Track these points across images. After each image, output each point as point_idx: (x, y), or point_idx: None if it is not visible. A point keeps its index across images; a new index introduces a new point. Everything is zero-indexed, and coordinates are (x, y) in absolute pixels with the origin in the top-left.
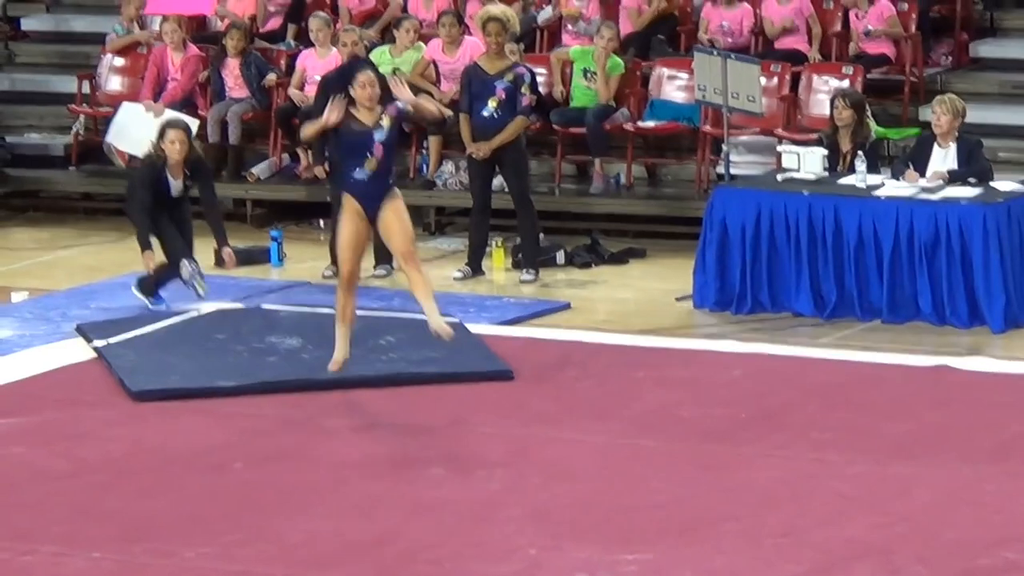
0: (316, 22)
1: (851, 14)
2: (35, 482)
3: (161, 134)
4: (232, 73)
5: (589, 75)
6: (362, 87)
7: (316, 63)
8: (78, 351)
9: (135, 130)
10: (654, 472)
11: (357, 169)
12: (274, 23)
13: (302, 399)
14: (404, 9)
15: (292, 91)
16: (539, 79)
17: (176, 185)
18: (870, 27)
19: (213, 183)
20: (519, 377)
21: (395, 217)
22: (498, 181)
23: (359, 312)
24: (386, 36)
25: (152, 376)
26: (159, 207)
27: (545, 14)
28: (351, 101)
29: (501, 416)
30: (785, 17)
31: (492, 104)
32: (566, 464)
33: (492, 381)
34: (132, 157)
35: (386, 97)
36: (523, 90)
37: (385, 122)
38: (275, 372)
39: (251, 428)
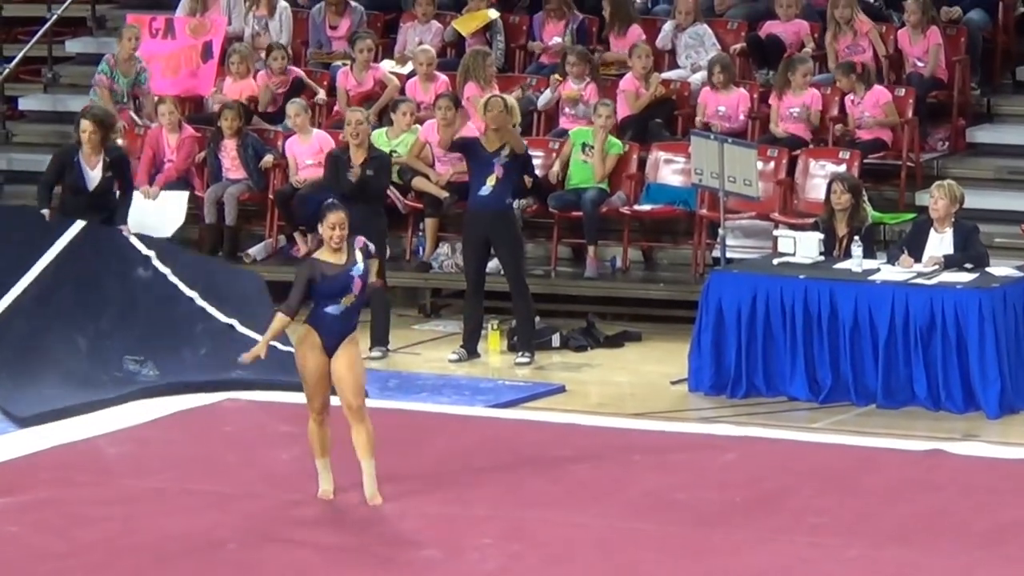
0: (293, 108)
1: (847, 100)
2: (35, 562)
3: (77, 121)
4: (229, 154)
5: (587, 150)
6: (331, 228)
7: (302, 148)
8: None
9: (144, 217)
10: (650, 556)
11: (332, 306)
12: (279, 104)
13: (292, 481)
14: (402, 92)
15: (294, 179)
16: (536, 162)
17: (93, 176)
18: (867, 114)
19: (132, 185)
20: (514, 459)
21: (347, 368)
22: (494, 263)
23: None
24: (383, 119)
25: (32, 400)
26: (76, 201)
27: (544, 98)
28: (319, 243)
29: (495, 497)
30: (799, 108)
31: (490, 182)
32: (562, 546)
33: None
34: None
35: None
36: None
37: (358, 255)
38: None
39: (243, 509)
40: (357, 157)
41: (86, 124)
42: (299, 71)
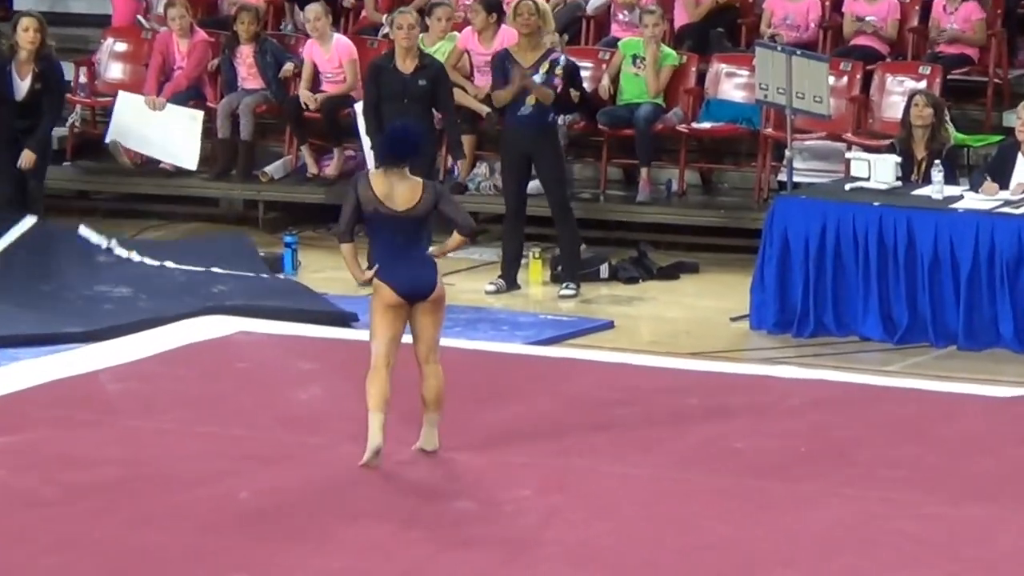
0: (312, 10)
1: (937, 5)
2: (21, 509)
3: (16, 22)
4: (245, 62)
5: (639, 61)
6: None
7: (323, 58)
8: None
9: (137, 126)
10: (705, 510)
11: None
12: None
13: (312, 424)
14: None
15: (302, 92)
16: (584, 74)
17: (22, 87)
18: (954, 26)
19: (63, 100)
20: (556, 402)
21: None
22: (535, 185)
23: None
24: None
25: None
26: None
27: (595, 1)
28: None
29: (535, 445)
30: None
31: (530, 102)
32: (608, 500)
33: (333, 325)
34: (140, 155)
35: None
36: (556, 71)
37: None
38: (118, 318)
39: (258, 454)
40: (406, 65)
41: (29, 22)
42: None
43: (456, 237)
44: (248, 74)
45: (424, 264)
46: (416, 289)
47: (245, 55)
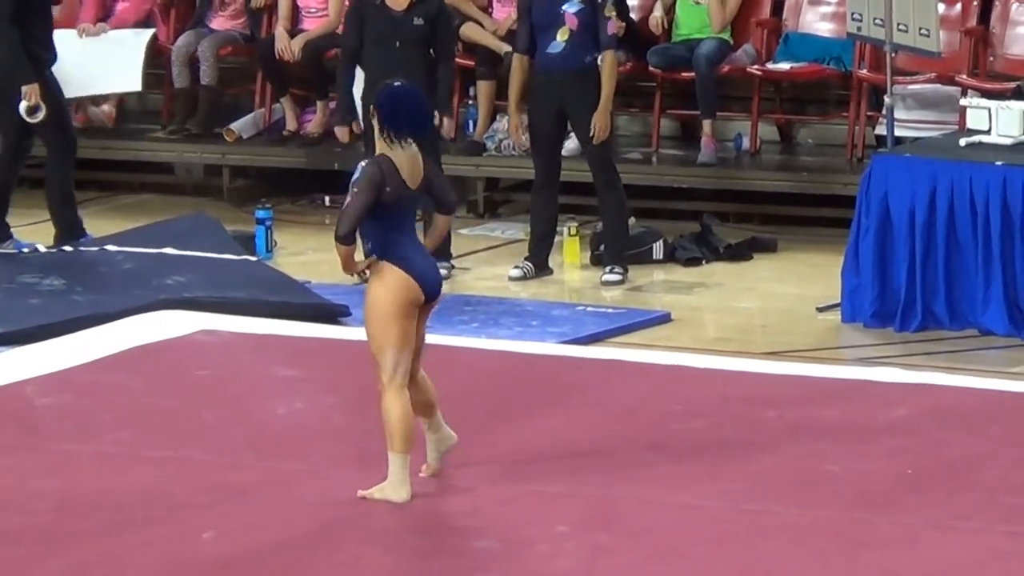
0: None
1: None
2: None
3: None
4: (235, 3)
5: None
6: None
7: None
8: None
9: (75, 69)
10: (787, 551)
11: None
12: None
13: (293, 446)
14: None
15: (279, 33)
16: (631, 2)
17: None
18: None
19: None
20: (599, 415)
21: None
22: (572, 144)
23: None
24: None
25: None
26: None
27: None
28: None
29: (574, 469)
30: None
31: (561, 37)
32: (666, 538)
33: (318, 321)
34: (80, 104)
35: None
36: (606, 12)
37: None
38: (47, 315)
39: (225, 484)
40: (398, 1)
41: None
42: None
43: (440, 219)
44: (225, 14)
45: (427, 252)
46: (438, 285)
47: None
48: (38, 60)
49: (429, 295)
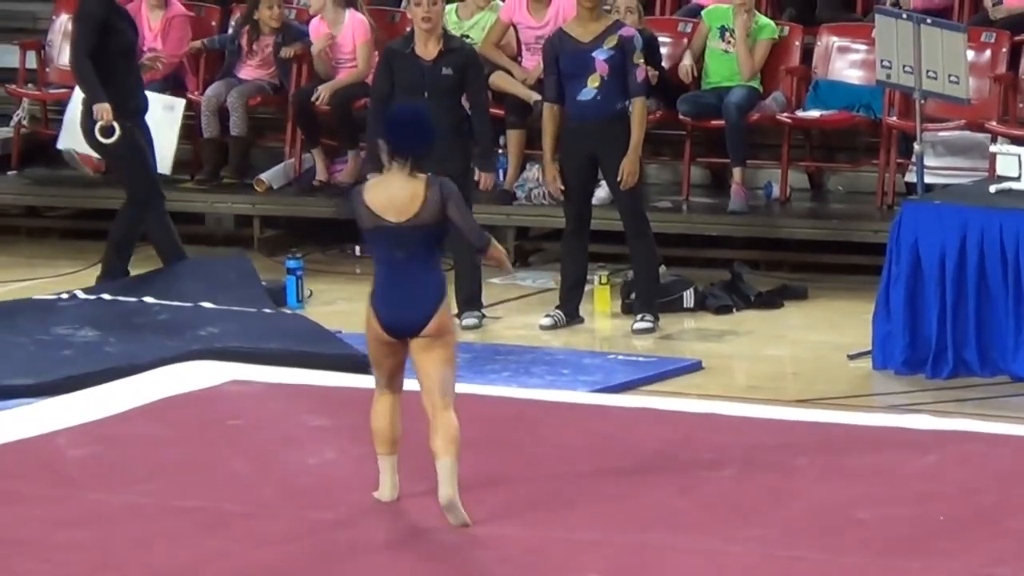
0: None
1: None
2: None
3: None
4: (262, 52)
5: (728, 35)
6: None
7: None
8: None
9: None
10: None
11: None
12: None
13: (324, 496)
14: None
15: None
16: (661, 50)
17: None
18: None
19: None
20: (630, 463)
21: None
22: (603, 193)
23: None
24: None
25: None
26: None
27: None
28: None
29: (603, 516)
30: None
31: (592, 83)
32: None
33: (348, 371)
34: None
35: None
36: (635, 59)
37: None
38: (76, 367)
39: (255, 534)
40: (428, 50)
41: None
42: None
43: (495, 247)
44: (253, 63)
45: (425, 290)
46: (400, 322)
47: (264, 44)
48: (123, 109)
49: (389, 331)
